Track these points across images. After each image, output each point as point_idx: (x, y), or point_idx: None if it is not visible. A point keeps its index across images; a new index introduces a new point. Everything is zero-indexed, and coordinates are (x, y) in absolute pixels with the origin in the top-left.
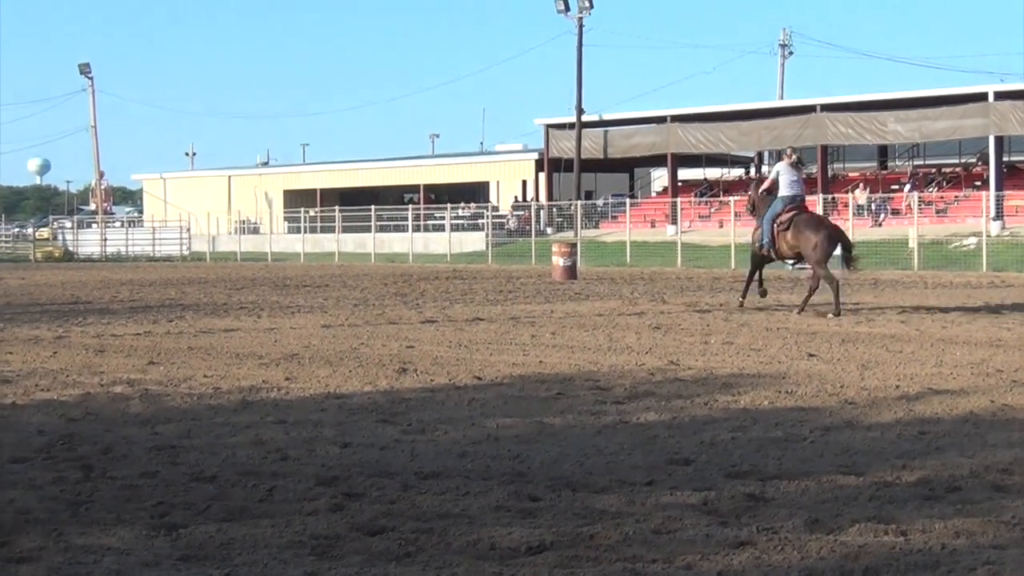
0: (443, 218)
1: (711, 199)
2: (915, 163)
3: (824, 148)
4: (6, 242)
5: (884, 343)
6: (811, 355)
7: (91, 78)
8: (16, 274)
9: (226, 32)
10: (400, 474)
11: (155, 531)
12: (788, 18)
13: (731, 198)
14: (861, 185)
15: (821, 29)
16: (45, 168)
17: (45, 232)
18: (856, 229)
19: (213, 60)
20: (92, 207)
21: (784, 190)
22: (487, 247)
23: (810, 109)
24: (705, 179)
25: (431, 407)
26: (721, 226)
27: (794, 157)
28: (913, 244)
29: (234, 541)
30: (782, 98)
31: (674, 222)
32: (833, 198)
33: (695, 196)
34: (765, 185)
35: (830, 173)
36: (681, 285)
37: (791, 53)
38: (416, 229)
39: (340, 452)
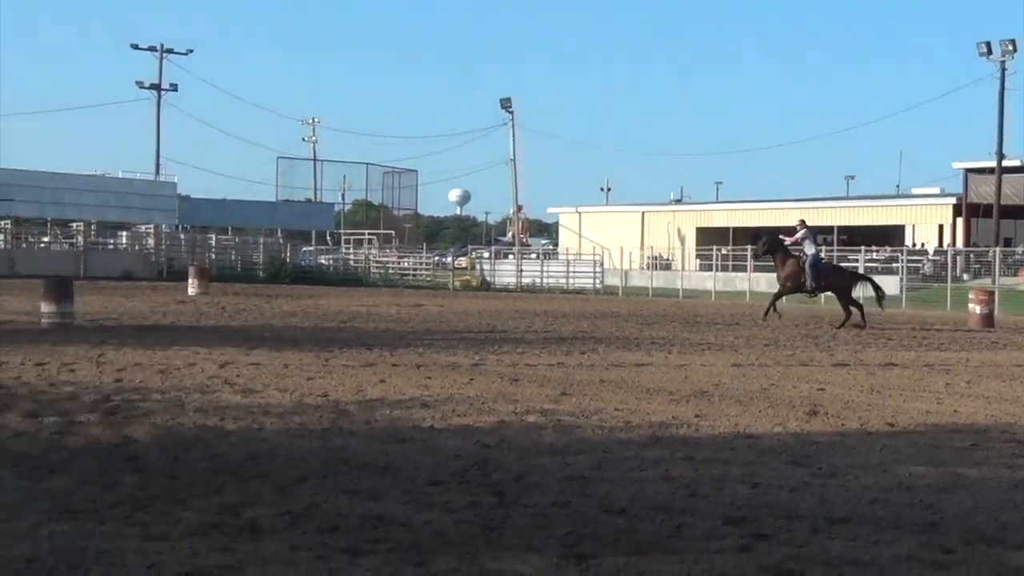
0: (857, 260)
1: None
2: None
3: None
4: (427, 270)
5: None
6: None
7: (511, 112)
8: (436, 301)
9: (642, 70)
10: (809, 517)
11: (565, 560)
12: None
13: None
14: None
15: None
16: (466, 199)
17: (464, 261)
18: None
19: (630, 96)
20: (509, 238)
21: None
22: (901, 291)
23: None
24: None
25: (841, 451)
26: None
27: None
28: None
29: (643, 575)
30: None
31: None
32: None
33: None
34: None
35: None
36: None
37: None
38: None
39: (749, 492)
